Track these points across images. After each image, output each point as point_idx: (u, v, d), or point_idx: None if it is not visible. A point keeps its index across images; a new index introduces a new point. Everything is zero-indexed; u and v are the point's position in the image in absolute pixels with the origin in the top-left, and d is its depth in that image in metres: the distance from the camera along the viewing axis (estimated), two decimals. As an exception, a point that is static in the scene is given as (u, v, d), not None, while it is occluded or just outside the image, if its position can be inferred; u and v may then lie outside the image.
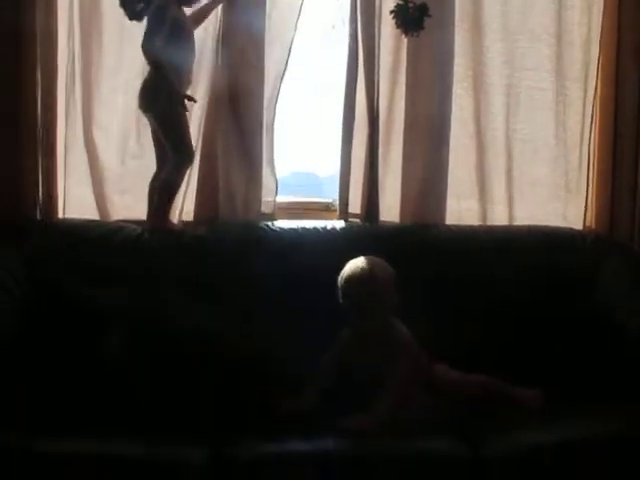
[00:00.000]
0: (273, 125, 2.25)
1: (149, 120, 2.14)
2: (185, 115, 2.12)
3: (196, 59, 2.18)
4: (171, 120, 2.10)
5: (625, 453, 1.67)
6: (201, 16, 2.21)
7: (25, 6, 2.12)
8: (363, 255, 1.87)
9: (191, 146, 2.14)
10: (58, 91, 2.20)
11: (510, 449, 1.67)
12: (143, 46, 2.05)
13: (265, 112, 2.24)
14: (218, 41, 2.23)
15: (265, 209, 2.28)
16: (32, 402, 1.74)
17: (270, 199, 2.28)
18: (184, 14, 2.15)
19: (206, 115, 2.23)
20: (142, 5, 2.11)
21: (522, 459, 1.65)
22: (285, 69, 2.24)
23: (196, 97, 2.15)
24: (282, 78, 2.24)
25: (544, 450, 1.67)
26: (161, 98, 2.07)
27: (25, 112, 2.15)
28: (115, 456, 1.57)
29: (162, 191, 2.12)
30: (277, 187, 2.28)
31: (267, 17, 2.23)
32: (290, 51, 2.23)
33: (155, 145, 2.18)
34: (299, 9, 2.23)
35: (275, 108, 2.24)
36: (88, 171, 2.24)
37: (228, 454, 1.60)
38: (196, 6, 2.18)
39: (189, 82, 2.16)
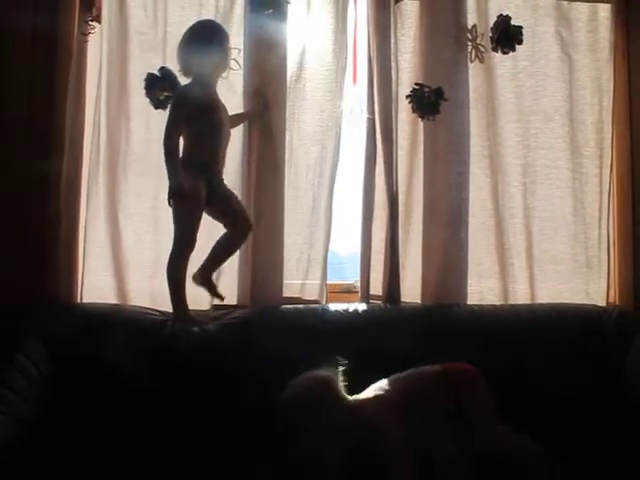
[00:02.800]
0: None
1: None
2: (197, 207, 2.09)
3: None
4: (179, 206, 2.08)
5: None
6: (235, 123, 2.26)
7: (57, 89, 2.19)
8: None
9: (193, 237, 2.10)
10: (82, 176, 2.25)
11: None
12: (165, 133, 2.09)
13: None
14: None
15: (289, 291, 2.28)
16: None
17: (294, 282, 2.29)
18: (213, 94, 2.17)
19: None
20: (166, 94, 2.18)
21: None
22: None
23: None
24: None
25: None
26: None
27: (48, 192, 2.18)
28: None
29: (169, 285, 2.11)
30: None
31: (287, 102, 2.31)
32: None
33: (220, 222, 2.17)
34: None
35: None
36: (109, 257, 2.26)
37: None
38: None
39: (222, 161, 2.17)
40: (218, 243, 2.17)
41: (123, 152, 2.28)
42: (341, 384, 1.71)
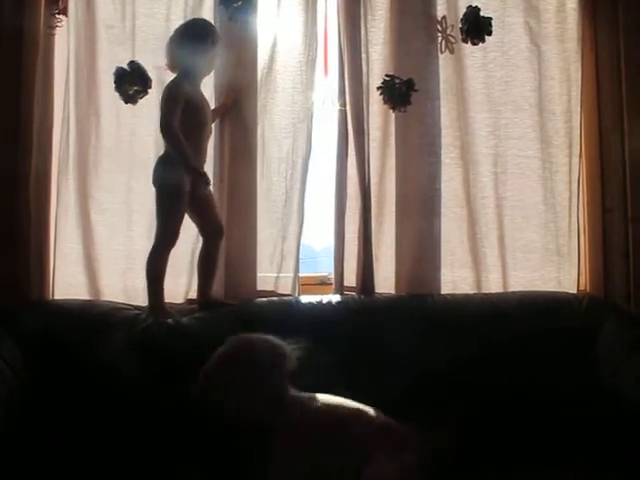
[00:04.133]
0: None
1: None
2: (181, 200, 2.09)
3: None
4: (164, 201, 2.10)
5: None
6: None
7: (24, 86, 2.17)
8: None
9: (176, 231, 2.11)
10: (52, 172, 2.23)
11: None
12: (160, 127, 2.08)
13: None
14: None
15: (263, 285, 2.28)
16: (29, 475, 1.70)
17: (269, 275, 2.29)
18: (198, 91, 2.18)
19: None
20: (136, 88, 2.17)
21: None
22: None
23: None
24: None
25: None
26: (162, 179, 2.10)
27: (18, 191, 2.16)
28: None
29: (147, 278, 2.11)
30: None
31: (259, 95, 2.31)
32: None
33: (193, 221, 2.18)
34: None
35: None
36: (81, 251, 2.24)
37: None
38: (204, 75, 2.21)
39: (204, 157, 2.17)
40: (200, 261, 2.19)
41: (93, 147, 2.26)
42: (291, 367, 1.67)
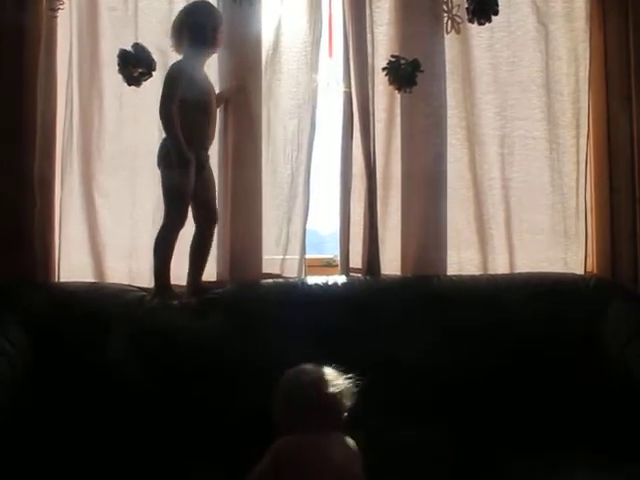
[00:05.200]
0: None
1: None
2: (187, 181, 2.09)
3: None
4: (171, 183, 2.11)
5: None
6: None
7: (26, 69, 2.16)
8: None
9: (184, 213, 2.12)
10: (56, 155, 2.23)
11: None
12: (159, 108, 2.08)
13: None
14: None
15: (269, 268, 2.27)
16: (33, 465, 1.72)
17: (275, 257, 2.28)
18: (202, 73, 2.17)
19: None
20: (140, 70, 2.16)
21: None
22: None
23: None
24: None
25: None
26: (167, 160, 2.09)
27: (22, 175, 2.16)
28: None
29: (154, 257, 2.12)
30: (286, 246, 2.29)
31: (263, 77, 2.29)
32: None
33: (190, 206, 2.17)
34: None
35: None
36: (86, 234, 2.24)
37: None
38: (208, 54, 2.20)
39: (210, 140, 2.17)
40: (192, 247, 2.17)
41: (96, 130, 2.25)
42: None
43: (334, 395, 1.59)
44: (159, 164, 2.12)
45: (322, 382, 1.60)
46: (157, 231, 2.15)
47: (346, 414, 1.61)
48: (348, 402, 1.61)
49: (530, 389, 2.05)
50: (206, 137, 2.16)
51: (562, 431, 1.93)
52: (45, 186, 2.20)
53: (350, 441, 1.58)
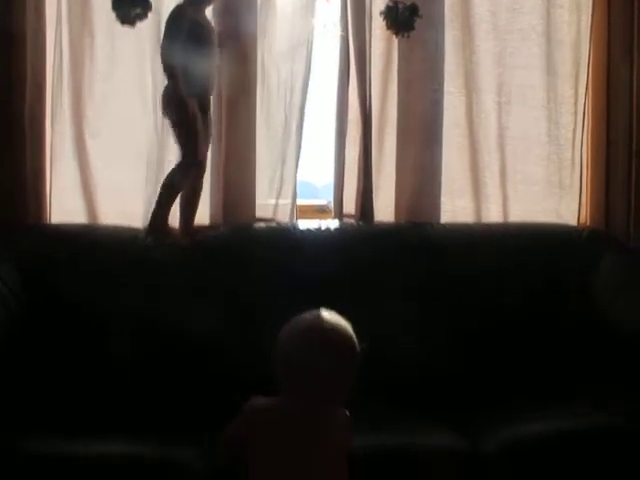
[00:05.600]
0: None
1: None
2: (198, 122, 2.08)
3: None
4: (181, 125, 2.09)
5: (623, 445, 1.67)
6: None
7: (15, 10, 2.11)
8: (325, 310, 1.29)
9: (200, 153, 2.11)
10: (46, 95, 2.19)
11: (508, 443, 1.65)
12: (161, 52, 2.06)
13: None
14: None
15: (262, 212, 2.27)
16: (25, 404, 1.73)
17: (268, 202, 2.27)
18: (203, 16, 2.14)
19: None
20: (138, 10, 2.11)
21: (521, 452, 1.64)
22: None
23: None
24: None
25: (543, 443, 1.66)
26: (174, 104, 2.07)
27: (12, 116, 2.13)
28: (105, 455, 1.56)
29: (162, 193, 2.11)
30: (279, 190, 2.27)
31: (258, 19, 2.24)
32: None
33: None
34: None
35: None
36: (78, 176, 2.22)
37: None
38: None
39: (212, 85, 2.15)
40: (184, 194, 2.15)
41: (87, 70, 2.21)
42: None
43: (348, 362, 1.25)
44: (165, 112, 2.11)
45: (339, 343, 1.24)
46: (150, 171, 2.15)
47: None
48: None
49: (519, 337, 2.07)
50: (209, 79, 2.13)
51: (555, 377, 1.95)
52: (36, 127, 2.17)
53: (341, 422, 1.29)
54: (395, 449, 1.60)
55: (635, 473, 1.66)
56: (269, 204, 2.25)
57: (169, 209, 2.13)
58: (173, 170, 2.11)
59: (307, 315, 1.28)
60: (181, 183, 2.12)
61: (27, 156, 2.16)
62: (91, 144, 2.22)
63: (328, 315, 1.27)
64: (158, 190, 2.14)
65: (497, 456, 1.63)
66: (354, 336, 1.26)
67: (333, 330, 1.25)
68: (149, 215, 2.13)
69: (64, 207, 2.23)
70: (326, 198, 2.42)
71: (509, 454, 1.64)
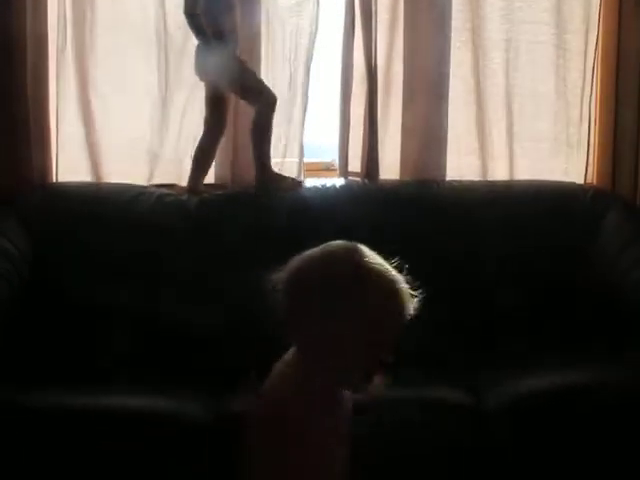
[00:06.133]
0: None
1: (208, 86, 2.15)
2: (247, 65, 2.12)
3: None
4: (237, 78, 2.10)
5: (624, 401, 1.68)
6: None
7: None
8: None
9: (268, 89, 2.12)
10: (50, 53, 2.16)
11: (511, 398, 1.68)
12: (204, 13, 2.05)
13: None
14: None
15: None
16: (28, 358, 1.76)
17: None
18: None
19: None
20: None
21: (523, 408, 1.67)
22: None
23: None
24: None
25: (545, 398, 1.68)
26: (219, 62, 2.07)
27: (15, 77, 2.11)
28: (111, 409, 1.59)
29: (257, 137, 2.13)
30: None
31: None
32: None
33: (209, 110, 2.16)
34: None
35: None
36: (83, 135, 2.21)
37: (224, 408, 1.61)
38: None
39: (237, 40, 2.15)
40: (199, 150, 2.17)
41: (89, 22, 2.17)
42: None
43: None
44: (209, 75, 2.11)
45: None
46: (154, 130, 2.15)
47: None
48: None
49: (523, 292, 2.07)
50: (235, 34, 2.13)
51: (557, 335, 1.96)
52: (39, 87, 2.15)
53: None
54: (398, 402, 1.62)
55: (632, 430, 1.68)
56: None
57: (268, 152, 2.15)
58: (256, 121, 2.12)
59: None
60: (269, 127, 2.13)
61: (31, 116, 2.14)
62: (96, 102, 2.20)
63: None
64: (193, 151, 2.17)
65: (499, 412, 1.66)
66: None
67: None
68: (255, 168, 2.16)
69: (69, 167, 2.23)
70: (331, 156, 2.41)
71: (511, 410, 1.66)
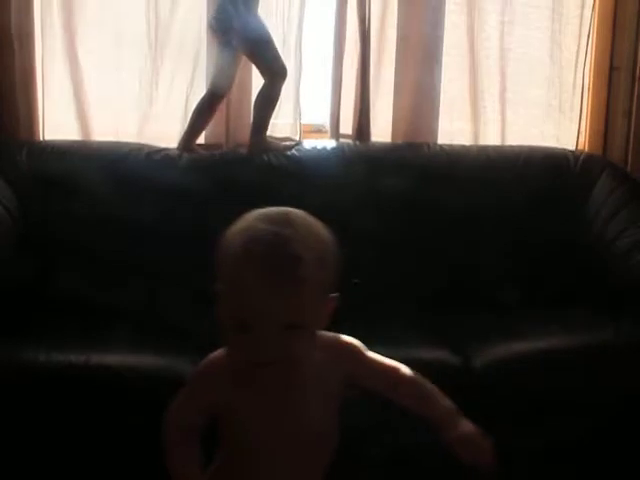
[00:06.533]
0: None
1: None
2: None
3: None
4: (252, 42, 2.08)
5: (610, 361, 1.71)
6: None
7: None
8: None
9: (282, 62, 2.11)
10: (34, 8, 2.11)
11: (499, 357, 1.70)
12: None
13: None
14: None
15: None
16: (23, 317, 1.76)
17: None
18: None
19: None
20: None
21: (512, 367, 1.69)
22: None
23: None
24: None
25: (533, 359, 1.70)
26: (236, 27, 2.05)
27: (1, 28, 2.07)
28: (101, 366, 1.60)
29: (262, 108, 2.12)
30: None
31: None
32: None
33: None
34: None
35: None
36: (71, 92, 2.18)
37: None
38: None
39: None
40: (196, 112, 2.14)
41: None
42: None
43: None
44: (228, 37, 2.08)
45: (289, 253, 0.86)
46: (144, 87, 2.13)
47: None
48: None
49: (514, 258, 2.08)
50: None
51: (546, 296, 1.97)
52: (24, 42, 2.10)
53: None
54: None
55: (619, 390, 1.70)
56: (271, 124, 2.20)
57: (268, 124, 2.14)
58: (264, 90, 2.11)
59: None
60: (275, 97, 2.12)
61: (16, 72, 2.10)
62: (84, 57, 2.17)
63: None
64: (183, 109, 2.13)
65: (485, 371, 1.67)
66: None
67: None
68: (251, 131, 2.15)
69: (56, 124, 2.20)
70: (323, 119, 2.39)
71: (498, 369, 1.68)
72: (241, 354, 0.91)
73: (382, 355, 1.20)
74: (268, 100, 2.12)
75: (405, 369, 1.03)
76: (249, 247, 0.86)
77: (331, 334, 1.01)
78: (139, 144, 2.11)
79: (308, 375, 0.96)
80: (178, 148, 2.14)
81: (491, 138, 2.34)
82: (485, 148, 2.27)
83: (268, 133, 2.19)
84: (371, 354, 1.03)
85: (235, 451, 0.99)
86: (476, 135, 2.33)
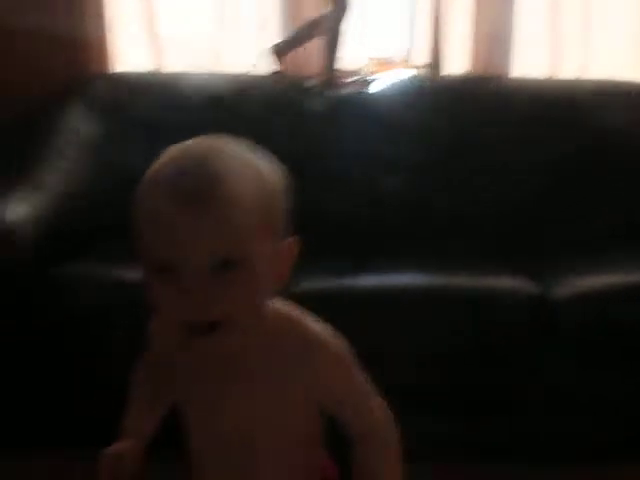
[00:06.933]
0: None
1: None
2: None
3: None
4: None
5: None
6: None
7: None
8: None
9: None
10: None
11: (580, 289, 1.65)
12: None
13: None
14: None
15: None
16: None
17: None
18: None
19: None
20: None
21: (592, 299, 1.64)
22: None
23: None
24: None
25: (614, 292, 1.65)
26: None
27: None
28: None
29: (327, 40, 2.11)
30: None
31: None
32: None
33: None
34: None
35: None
36: (143, 26, 2.19)
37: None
38: None
39: None
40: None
41: None
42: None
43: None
44: None
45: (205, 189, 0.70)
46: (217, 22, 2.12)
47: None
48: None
49: (590, 193, 2.02)
50: None
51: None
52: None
53: None
54: (466, 290, 1.61)
55: None
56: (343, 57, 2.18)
57: (335, 58, 2.13)
58: (328, 25, 2.09)
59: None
60: (338, 32, 2.11)
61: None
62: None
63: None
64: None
65: (566, 302, 1.63)
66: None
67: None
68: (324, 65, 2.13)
69: (129, 58, 2.21)
70: (396, 49, 2.34)
71: (578, 301, 1.64)
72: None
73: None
74: (333, 35, 2.09)
75: (380, 426, 0.81)
76: (159, 170, 0.71)
77: (310, 321, 0.78)
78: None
79: (257, 359, 0.76)
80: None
81: (571, 71, 2.23)
82: (562, 82, 2.17)
83: (345, 67, 2.16)
84: (356, 375, 0.79)
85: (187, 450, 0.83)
86: (554, 67, 2.23)
